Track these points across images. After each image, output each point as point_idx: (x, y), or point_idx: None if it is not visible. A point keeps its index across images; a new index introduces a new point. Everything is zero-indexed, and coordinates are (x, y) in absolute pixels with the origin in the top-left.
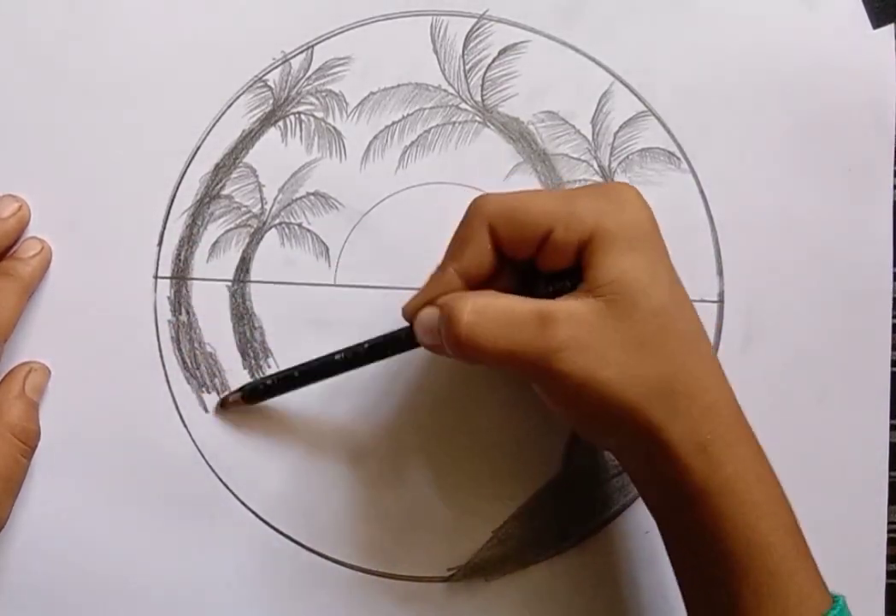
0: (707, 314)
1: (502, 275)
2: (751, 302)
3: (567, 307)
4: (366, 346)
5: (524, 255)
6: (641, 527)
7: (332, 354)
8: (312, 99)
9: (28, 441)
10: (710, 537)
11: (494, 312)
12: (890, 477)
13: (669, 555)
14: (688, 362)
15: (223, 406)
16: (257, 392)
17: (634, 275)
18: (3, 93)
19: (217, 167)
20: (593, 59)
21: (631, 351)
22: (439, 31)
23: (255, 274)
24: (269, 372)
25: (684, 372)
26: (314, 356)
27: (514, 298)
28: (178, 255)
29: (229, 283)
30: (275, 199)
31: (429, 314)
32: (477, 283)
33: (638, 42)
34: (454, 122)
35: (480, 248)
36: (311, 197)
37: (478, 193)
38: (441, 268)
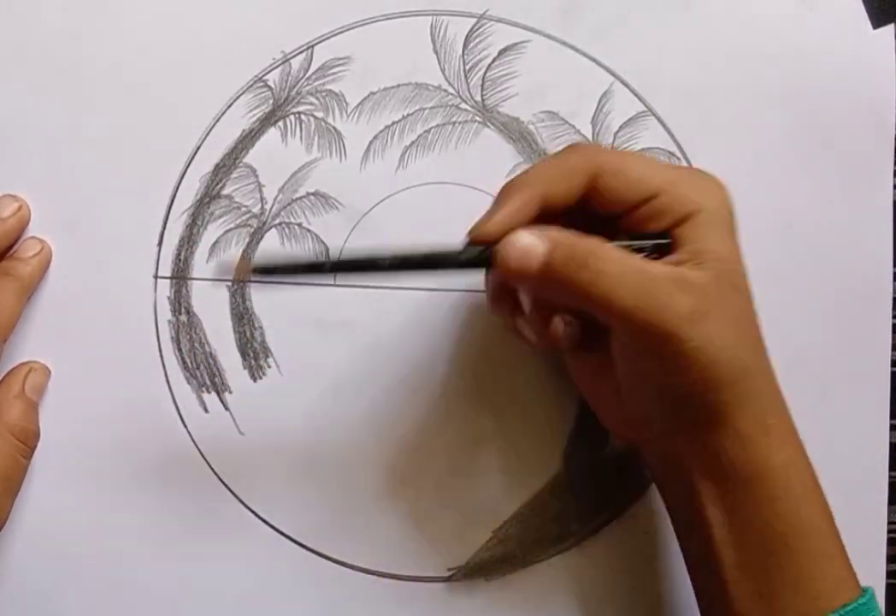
0: None
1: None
2: None
3: (694, 275)
4: (419, 255)
5: (610, 209)
6: (641, 527)
7: (378, 258)
8: (312, 99)
9: (27, 441)
10: (761, 520)
11: (633, 269)
12: (890, 477)
13: (705, 553)
14: (764, 347)
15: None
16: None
17: (732, 256)
18: (4, 93)
19: (217, 167)
20: (593, 59)
21: (736, 326)
22: (439, 31)
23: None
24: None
25: (763, 356)
26: (314, 356)
27: (642, 260)
28: (178, 254)
29: (229, 283)
30: (275, 199)
31: (529, 243)
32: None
33: (638, 42)
34: (454, 122)
35: (574, 187)
36: (311, 197)
37: (478, 193)
38: (526, 182)
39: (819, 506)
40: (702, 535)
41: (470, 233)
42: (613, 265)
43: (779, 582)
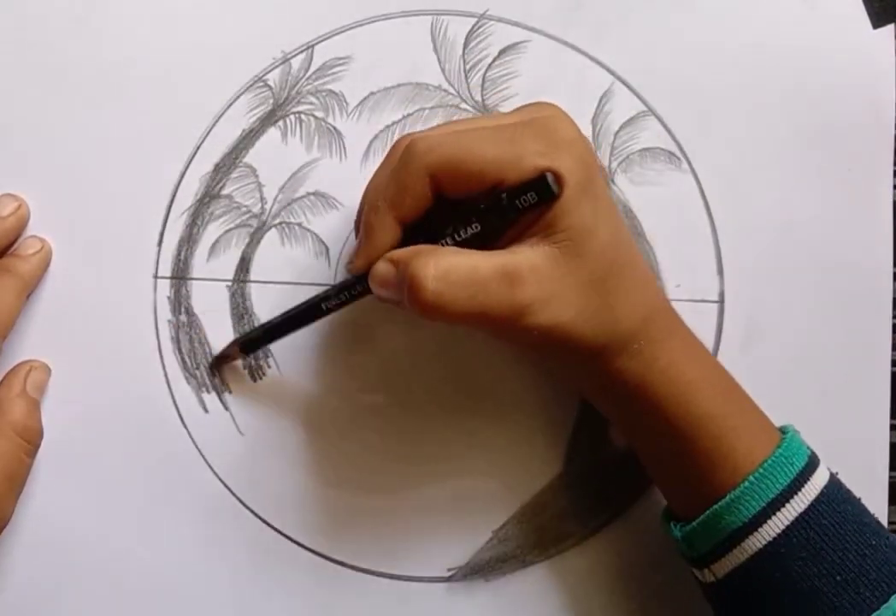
0: (707, 314)
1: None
2: (751, 302)
3: (529, 260)
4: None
5: (464, 195)
6: (641, 527)
7: (318, 300)
8: (312, 99)
9: (31, 439)
10: (659, 420)
11: (458, 275)
12: (890, 477)
13: (635, 448)
14: (627, 288)
15: (218, 363)
16: (250, 343)
17: (582, 219)
18: (4, 93)
19: (217, 167)
20: (594, 59)
21: (582, 291)
22: (439, 31)
23: (254, 274)
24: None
25: (623, 299)
26: (314, 356)
27: (474, 257)
28: (178, 254)
29: (229, 283)
30: (275, 199)
31: (383, 271)
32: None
33: (638, 42)
34: None
35: (421, 197)
36: (311, 197)
37: None
38: (376, 213)
39: (711, 390)
40: (632, 446)
41: (346, 266)
42: (441, 282)
43: (691, 467)
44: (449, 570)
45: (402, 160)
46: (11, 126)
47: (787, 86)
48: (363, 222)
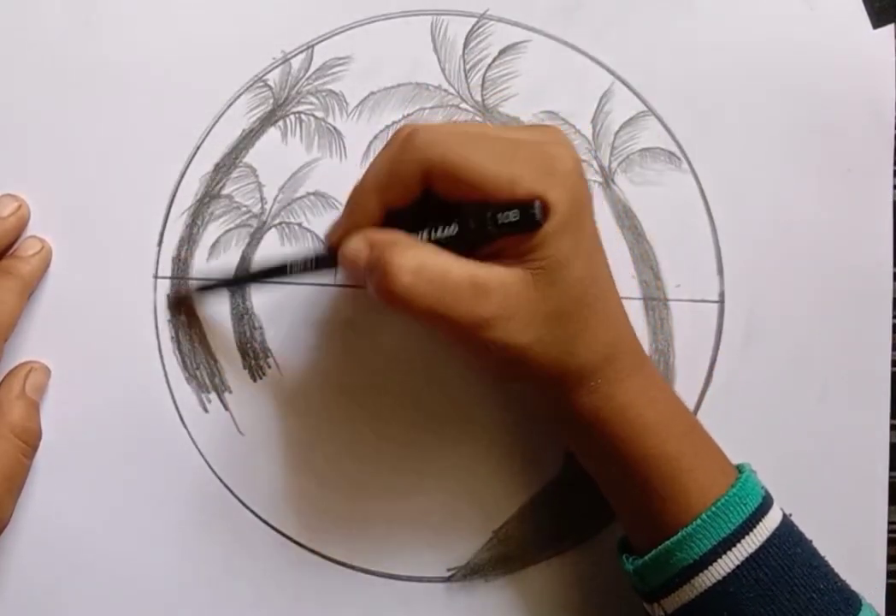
0: (707, 314)
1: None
2: (751, 302)
3: (499, 277)
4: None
5: (453, 200)
6: None
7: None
8: (312, 99)
9: (30, 440)
10: (613, 456)
11: (431, 275)
12: (890, 477)
13: (594, 476)
14: (592, 326)
15: (177, 300)
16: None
17: (560, 252)
18: (4, 93)
19: (217, 167)
20: (594, 59)
21: (546, 320)
22: (439, 31)
23: None
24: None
25: (587, 335)
26: (314, 356)
27: (449, 260)
28: (178, 255)
29: None
30: (275, 199)
31: (354, 248)
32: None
33: (638, 42)
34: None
35: (409, 187)
36: (311, 196)
37: None
38: (363, 190)
39: (666, 431)
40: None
41: (324, 237)
42: (414, 276)
43: (645, 503)
44: (449, 570)
45: (400, 146)
46: (11, 126)
47: (787, 86)
48: (349, 197)
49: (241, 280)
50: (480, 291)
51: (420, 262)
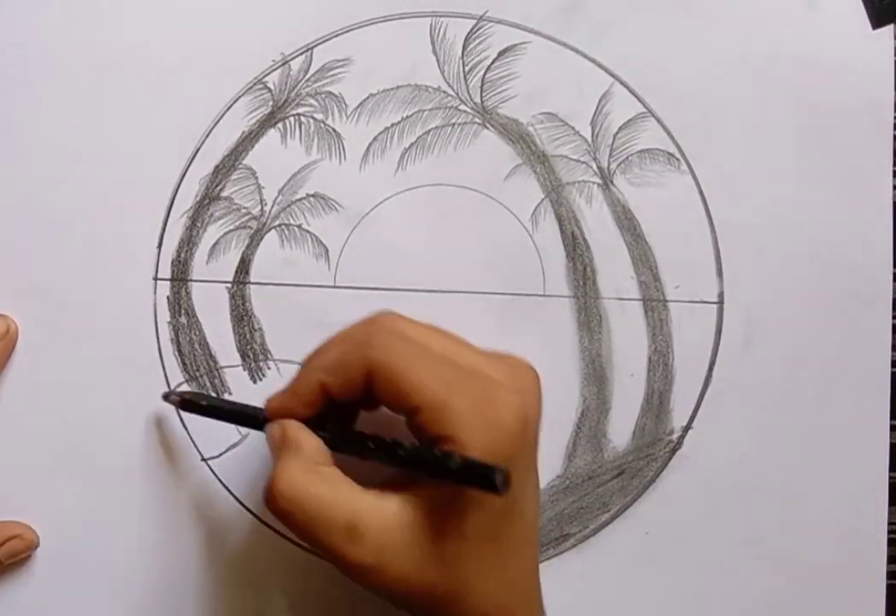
0: (707, 315)
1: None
2: (750, 302)
3: (380, 519)
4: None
5: (391, 410)
6: (642, 527)
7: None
8: (312, 101)
9: None
10: None
11: (308, 508)
12: (890, 477)
13: None
14: (481, 583)
15: (166, 399)
16: (189, 406)
17: (464, 501)
18: (3, 94)
19: (217, 169)
20: (593, 60)
21: (426, 569)
22: (439, 33)
23: (254, 275)
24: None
25: (472, 592)
26: None
27: (335, 493)
28: (178, 256)
29: (229, 285)
30: (274, 201)
31: (271, 436)
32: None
33: (638, 42)
34: (453, 124)
35: (352, 384)
36: (311, 198)
37: (477, 195)
38: (307, 370)
39: None
40: None
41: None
42: (289, 504)
43: None
44: None
45: (355, 336)
46: (11, 127)
47: (787, 86)
48: (298, 372)
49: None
50: (355, 535)
51: (300, 492)
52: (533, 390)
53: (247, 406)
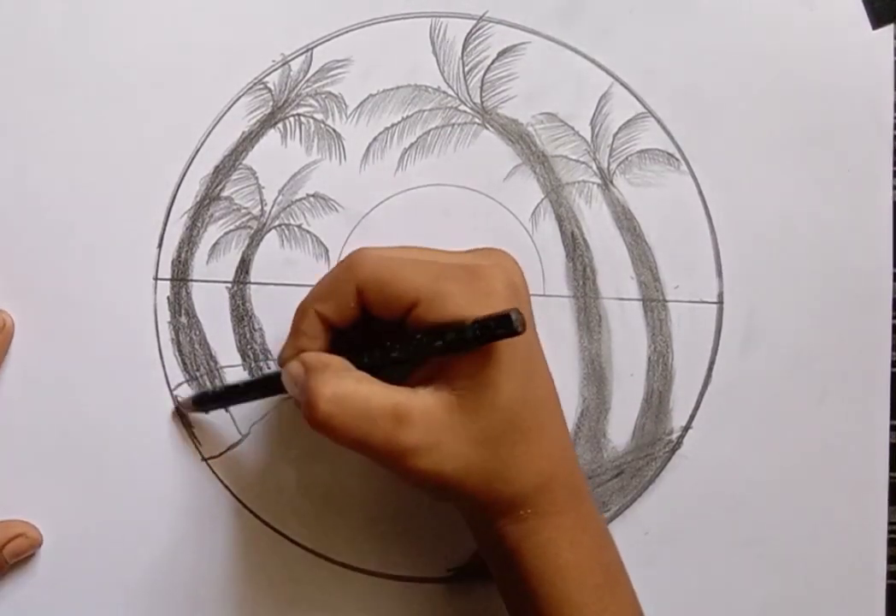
0: (706, 315)
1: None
2: (750, 303)
3: (423, 404)
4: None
5: (391, 319)
6: (641, 527)
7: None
8: (312, 101)
9: None
10: (526, 593)
11: (352, 404)
12: (890, 477)
13: (505, 602)
14: (523, 454)
15: (178, 411)
16: (205, 400)
17: (486, 371)
18: (4, 94)
19: (217, 169)
20: (593, 61)
21: (473, 445)
22: (438, 33)
23: (254, 275)
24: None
25: (519, 462)
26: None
27: (374, 388)
28: (178, 257)
29: (229, 285)
30: (274, 201)
31: (292, 374)
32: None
33: (638, 42)
34: (453, 124)
35: (346, 307)
36: (311, 198)
37: (477, 195)
38: (304, 304)
39: (581, 579)
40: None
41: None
42: (333, 405)
43: None
44: (449, 570)
45: (339, 267)
46: (10, 127)
47: (787, 86)
48: (294, 316)
49: (219, 399)
50: (403, 420)
51: (341, 390)
52: (513, 264)
53: (257, 377)
